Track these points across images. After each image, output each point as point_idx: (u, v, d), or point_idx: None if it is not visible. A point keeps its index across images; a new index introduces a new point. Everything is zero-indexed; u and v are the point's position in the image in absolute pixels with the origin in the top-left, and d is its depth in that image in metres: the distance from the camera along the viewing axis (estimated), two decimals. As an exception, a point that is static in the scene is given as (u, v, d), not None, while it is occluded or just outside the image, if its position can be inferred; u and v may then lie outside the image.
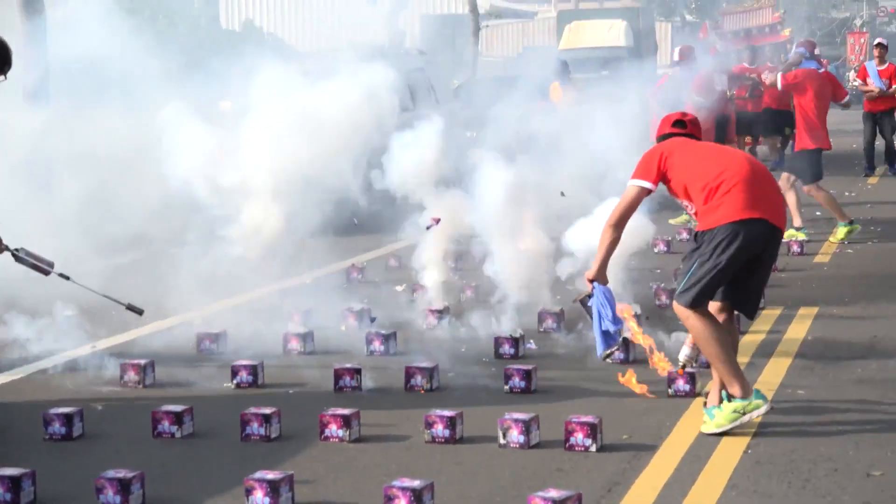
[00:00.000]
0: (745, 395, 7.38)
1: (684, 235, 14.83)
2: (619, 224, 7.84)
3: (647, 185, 7.76)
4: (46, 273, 7.57)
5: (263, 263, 10.17)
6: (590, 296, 7.98)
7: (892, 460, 7.08)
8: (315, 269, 12.02)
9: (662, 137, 8.00)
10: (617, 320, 7.98)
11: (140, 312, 7.77)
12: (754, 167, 7.74)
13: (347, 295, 11.03)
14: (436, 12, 48.19)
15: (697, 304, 7.49)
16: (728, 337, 7.66)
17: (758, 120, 22.58)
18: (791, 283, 12.55)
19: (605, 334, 7.93)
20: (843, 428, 7.67)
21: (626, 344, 8.84)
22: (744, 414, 7.37)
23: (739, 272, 7.58)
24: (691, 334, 7.75)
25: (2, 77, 7.34)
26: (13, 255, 7.57)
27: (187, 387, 8.82)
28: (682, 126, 8.02)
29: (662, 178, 7.75)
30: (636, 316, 9.36)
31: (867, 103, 22.82)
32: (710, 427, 7.45)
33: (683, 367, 8.12)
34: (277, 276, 11.10)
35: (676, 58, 18.82)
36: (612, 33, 31.12)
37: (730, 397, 7.42)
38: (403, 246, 13.07)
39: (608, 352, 8.06)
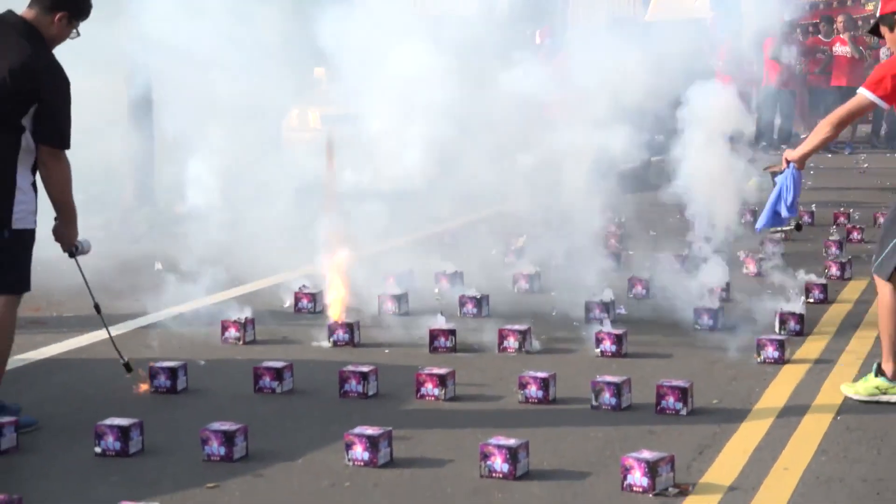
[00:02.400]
0: (894, 377, 7.28)
1: None
2: (839, 125, 7.56)
3: (877, 100, 7.36)
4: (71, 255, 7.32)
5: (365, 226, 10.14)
6: (781, 172, 7.80)
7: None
8: (411, 233, 12.04)
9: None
10: (793, 209, 7.74)
11: (129, 370, 7.58)
12: None
13: (441, 258, 11.00)
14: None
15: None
16: None
17: (826, 98, 21.74)
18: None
19: (776, 215, 7.80)
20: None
21: (798, 228, 8.57)
22: (883, 393, 7.27)
23: None
24: (879, 303, 7.57)
25: (74, 32, 7.02)
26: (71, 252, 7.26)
27: (285, 344, 8.88)
28: None
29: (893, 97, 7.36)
30: None
31: None
32: (849, 390, 7.40)
33: None
34: (377, 238, 11.11)
35: None
36: (697, 4, 30.77)
37: (879, 372, 7.32)
38: (494, 212, 13.08)
39: (772, 229, 8.17)
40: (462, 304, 9.75)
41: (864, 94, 7.37)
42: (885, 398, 7.25)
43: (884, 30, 7.44)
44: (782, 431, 6.91)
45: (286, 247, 10.40)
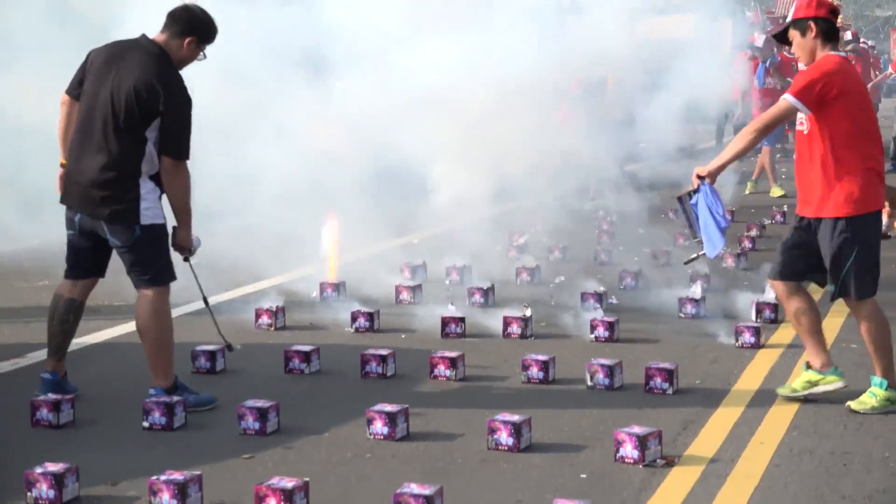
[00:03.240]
0: (823, 368, 7.05)
1: None
2: (762, 130, 6.92)
3: (800, 105, 6.70)
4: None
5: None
6: (694, 192, 7.10)
7: (939, 408, 7.01)
8: (420, 231, 12.03)
9: (814, 20, 6.83)
10: (726, 219, 7.10)
11: (230, 349, 7.62)
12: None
13: (451, 253, 10.99)
14: None
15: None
16: (816, 313, 7.14)
17: None
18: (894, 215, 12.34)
19: (719, 232, 7.04)
20: (892, 378, 7.57)
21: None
22: (815, 385, 7.01)
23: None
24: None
25: (202, 55, 7.04)
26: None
27: (312, 330, 8.87)
28: (836, 16, 6.96)
29: (819, 104, 6.71)
30: None
31: None
32: (785, 391, 7.09)
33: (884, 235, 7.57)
34: (390, 236, 11.12)
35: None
36: (682, 27, 30.73)
37: (808, 366, 7.12)
38: (501, 212, 13.06)
39: (717, 253, 7.27)
40: (471, 294, 9.74)
41: (787, 99, 6.78)
42: (818, 389, 6.98)
43: (794, 34, 6.93)
44: (758, 409, 6.89)
45: (311, 243, 10.39)
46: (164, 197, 6.89)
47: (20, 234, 12.93)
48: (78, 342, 8.31)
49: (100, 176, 6.68)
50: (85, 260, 6.98)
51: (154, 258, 6.82)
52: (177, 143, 6.75)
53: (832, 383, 6.95)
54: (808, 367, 7.06)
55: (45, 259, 11.61)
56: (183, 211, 6.90)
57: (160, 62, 6.76)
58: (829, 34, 6.87)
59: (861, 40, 24.50)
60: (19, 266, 11.64)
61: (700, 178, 7.04)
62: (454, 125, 10.68)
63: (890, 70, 21.64)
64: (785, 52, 20.95)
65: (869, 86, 17.48)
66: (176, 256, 7.03)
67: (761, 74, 16.47)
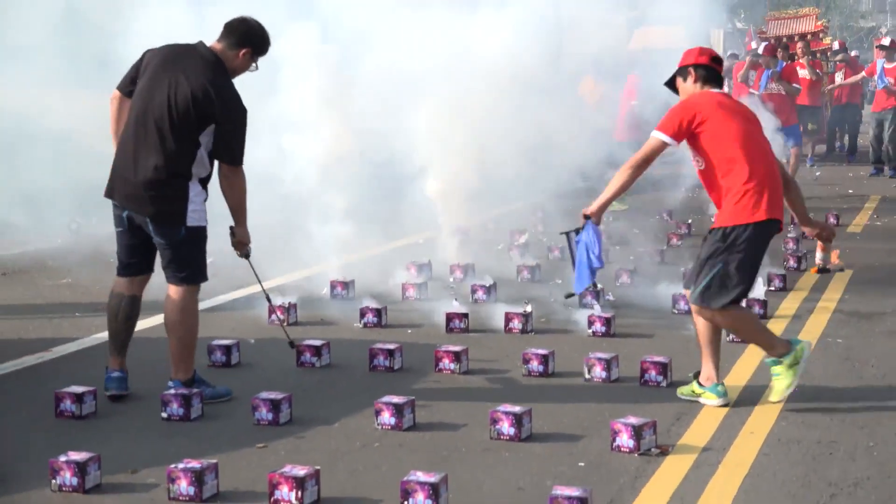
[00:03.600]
0: (706, 382, 6.81)
1: None
2: (637, 167, 6.78)
3: (669, 140, 6.70)
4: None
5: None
6: (579, 230, 7.02)
7: (920, 399, 7.02)
8: (426, 231, 12.00)
9: (694, 66, 6.86)
10: (600, 260, 6.98)
11: (292, 346, 7.64)
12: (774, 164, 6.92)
13: (456, 252, 10.96)
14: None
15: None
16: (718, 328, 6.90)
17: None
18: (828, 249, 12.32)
19: (589, 272, 6.98)
20: (876, 372, 7.57)
21: (597, 294, 8.10)
22: (698, 396, 6.82)
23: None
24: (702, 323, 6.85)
25: (254, 66, 6.99)
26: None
27: (323, 325, 8.86)
28: (719, 63, 6.92)
29: (687, 137, 6.72)
30: None
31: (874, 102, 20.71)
32: (681, 390, 6.91)
33: (822, 268, 7.76)
34: (396, 237, 11.10)
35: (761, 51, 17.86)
36: (673, 36, 30.66)
37: (696, 377, 6.91)
38: (503, 212, 13.06)
39: (582, 293, 7.24)
40: (473, 291, 9.73)
41: (655, 135, 6.75)
42: (700, 401, 6.81)
43: (679, 80, 6.96)
44: (748, 401, 6.87)
45: (322, 244, 10.37)
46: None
47: (44, 235, 12.98)
48: (98, 337, 8.32)
49: (153, 176, 6.64)
50: (137, 256, 6.95)
51: (192, 258, 6.82)
52: (231, 149, 6.75)
53: (709, 400, 6.77)
54: (696, 376, 6.92)
55: (66, 258, 11.67)
56: (240, 211, 6.93)
57: (217, 70, 6.74)
58: (709, 79, 6.88)
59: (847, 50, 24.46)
60: (43, 264, 11.64)
61: (586, 216, 6.99)
62: (446, 118, 10.51)
63: (863, 74, 21.47)
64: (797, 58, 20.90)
65: (834, 87, 17.15)
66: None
67: (765, 80, 16.31)
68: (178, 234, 6.73)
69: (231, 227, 7.02)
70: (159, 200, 6.67)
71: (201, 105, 6.60)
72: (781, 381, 6.73)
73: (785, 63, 16.90)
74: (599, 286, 7.62)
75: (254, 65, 6.96)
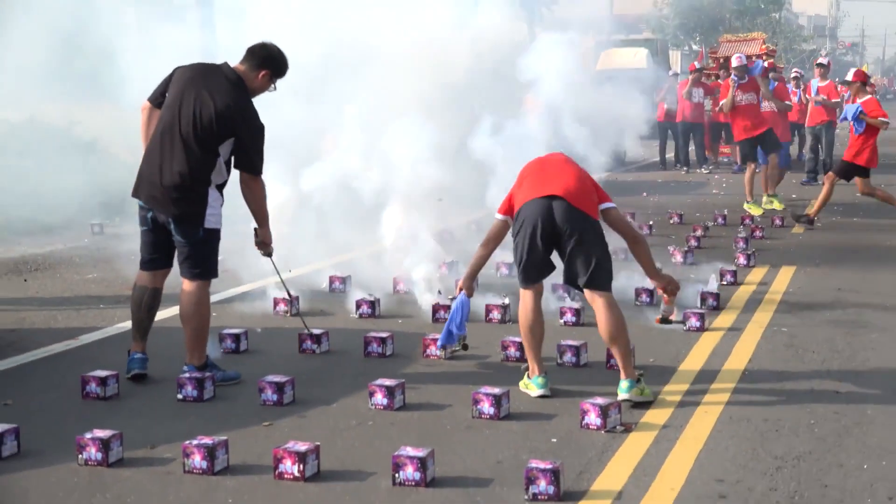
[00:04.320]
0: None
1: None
2: (487, 244, 6.88)
3: (504, 218, 6.76)
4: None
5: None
6: (453, 298, 7.25)
7: (852, 377, 7.06)
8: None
9: None
10: (461, 328, 7.09)
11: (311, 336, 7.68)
12: (544, 162, 6.82)
13: (441, 250, 10.90)
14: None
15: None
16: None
17: (726, 129, 20.92)
18: (774, 248, 12.39)
19: (448, 333, 7.14)
20: (816, 357, 7.59)
21: (465, 348, 7.65)
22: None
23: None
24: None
25: (273, 87, 7.00)
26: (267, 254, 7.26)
27: (322, 316, 8.85)
28: None
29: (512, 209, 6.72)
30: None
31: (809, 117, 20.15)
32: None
33: (664, 319, 7.87)
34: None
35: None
36: (636, 58, 30.67)
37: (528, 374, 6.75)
38: (483, 215, 13.01)
39: (444, 346, 7.36)
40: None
41: (496, 217, 6.81)
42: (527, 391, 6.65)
43: None
44: (703, 383, 6.90)
45: (322, 242, 10.36)
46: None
47: (71, 235, 12.96)
48: (120, 326, 8.31)
49: (177, 181, 6.65)
50: (159, 252, 6.95)
51: (206, 256, 6.83)
52: (251, 161, 6.77)
53: (532, 391, 6.62)
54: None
55: (92, 255, 11.65)
56: (261, 214, 6.97)
57: (239, 90, 6.75)
58: None
59: (779, 68, 23.75)
60: (70, 260, 11.62)
61: (460, 289, 7.04)
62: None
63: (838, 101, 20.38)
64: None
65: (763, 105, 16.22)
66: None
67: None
68: (197, 235, 6.73)
69: (255, 229, 7.05)
70: (182, 203, 6.68)
71: (224, 121, 6.63)
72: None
73: (778, 81, 16.03)
74: (463, 343, 7.50)
75: (272, 86, 6.98)
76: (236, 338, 7.74)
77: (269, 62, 6.89)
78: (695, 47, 43.57)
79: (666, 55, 37.41)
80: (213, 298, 8.67)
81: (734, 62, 15.61)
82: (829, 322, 8.64)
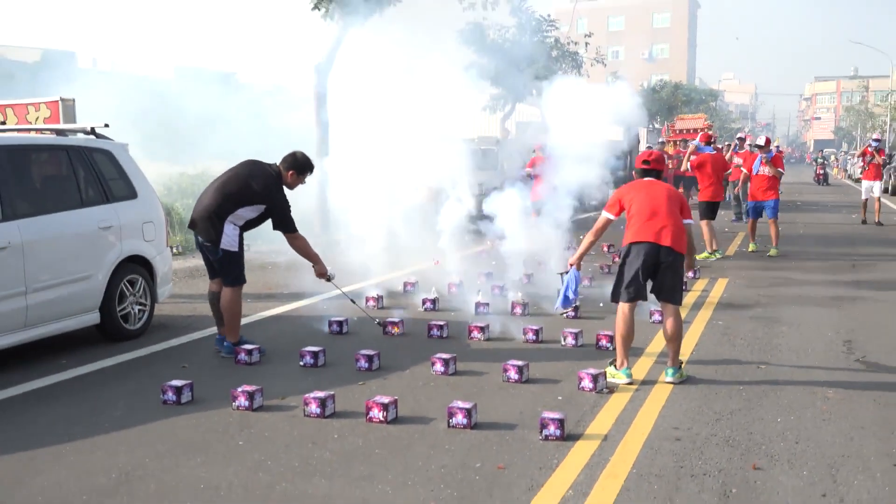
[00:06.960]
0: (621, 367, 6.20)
1: None
2: (596, 233, 6.42)
3: (610, 216, 6.35)
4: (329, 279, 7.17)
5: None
6: (566, 272, 6.87)
7: (769, 356, 6.88)
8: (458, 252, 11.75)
9: (636, 170, 6.49)
10: (576, 293, 6.75)
11: (382, 326, 7.62)
12: (650, 190, 6.22)
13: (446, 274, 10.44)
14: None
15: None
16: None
17: (686, 181, 20.73)
18: (713, 266, 12.18)
19: (566, 298, 6.78)
20: (743, 343, 7.43)
21: (576, 310, 7.66)
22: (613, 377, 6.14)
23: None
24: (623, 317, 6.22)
25: (303, 181, 6.89)
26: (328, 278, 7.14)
27: (399, 308, 8.74)
28: (647, 164, 6.44)
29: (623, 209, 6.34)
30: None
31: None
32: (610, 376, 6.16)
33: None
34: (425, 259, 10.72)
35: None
36: (613, 134, 30.47)
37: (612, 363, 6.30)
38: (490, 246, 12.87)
39: (563, 310, 7.18)
40: (493, 288, 9.50)
41: (603, 214, 6.36)
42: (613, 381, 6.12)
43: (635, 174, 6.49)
44: (665, 357, 6.76)
45: (400, 255, 10.30)
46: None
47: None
48: (261, 315, 8.32)
49: (203, 214, 6.62)
50: (209, 266, 6.89)
51: (231, 270, 6.70)
52: (286, 224, 6.69)
53: (619, 379, 6.12)
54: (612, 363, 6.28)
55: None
56: (309, 257, 6.88)
57: (275, 181, 6.71)
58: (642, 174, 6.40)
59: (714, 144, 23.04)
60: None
61: (571, 264, 6.71)
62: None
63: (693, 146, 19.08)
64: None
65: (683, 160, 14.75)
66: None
67: (757, 164, 14.91)
68: (218, 254, 6.66)
69: (313, 266, 6.96)
70: (207, 232, 6.63)
71: (258, 197, 6.60)
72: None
73: (775, 152, 15.00)
74: (575, 305, 7.24)
75: (303, 180, 6.88)
76: (340, 323, 7.72)
77: (294, 165, 6.80)
78: (656, 125, 43.11)
79: (636, 131, 37.04)
80: (328, 296, 8.71)
81: (758, 140, 14.54)
82: (752, 318, 8.47)
